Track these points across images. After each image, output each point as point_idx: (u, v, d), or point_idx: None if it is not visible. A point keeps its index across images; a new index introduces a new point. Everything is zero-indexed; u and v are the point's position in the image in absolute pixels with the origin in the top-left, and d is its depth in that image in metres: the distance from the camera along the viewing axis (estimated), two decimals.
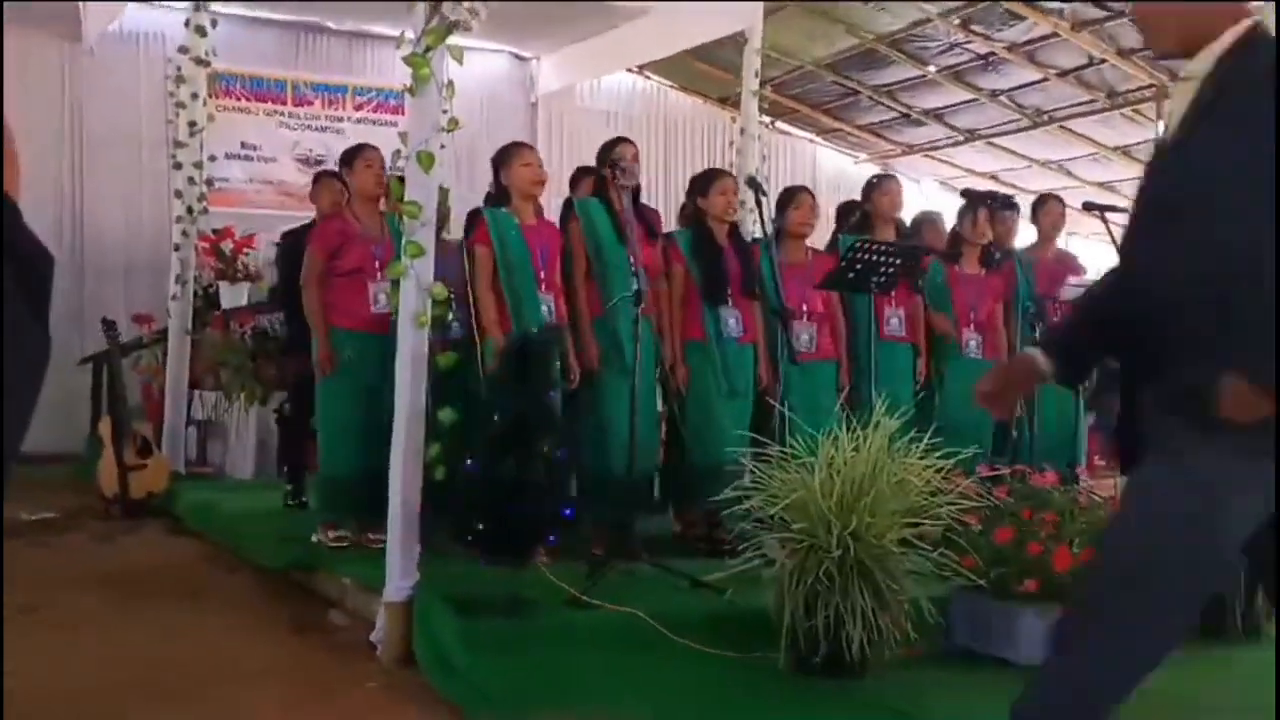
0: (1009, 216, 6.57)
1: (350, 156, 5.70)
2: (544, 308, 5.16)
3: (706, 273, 5.56)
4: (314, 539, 5.48)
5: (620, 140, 5.66)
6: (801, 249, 5.92)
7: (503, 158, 5.32)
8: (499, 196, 5.31)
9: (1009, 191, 8.02)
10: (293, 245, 6.51)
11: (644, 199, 6.75)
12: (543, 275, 5.19)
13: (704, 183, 5.76)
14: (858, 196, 6.61)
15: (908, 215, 6.87)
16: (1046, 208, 6.65)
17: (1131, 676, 2.46)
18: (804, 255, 5.90)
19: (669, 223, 6.42)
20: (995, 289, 6.35)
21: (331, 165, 8.17)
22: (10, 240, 0.69)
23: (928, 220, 6.82)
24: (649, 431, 5.32)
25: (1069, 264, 6.61)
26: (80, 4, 9.09)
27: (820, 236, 6.59)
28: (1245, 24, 2.44)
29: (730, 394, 5.52)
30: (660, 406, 5.67)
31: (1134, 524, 2.50)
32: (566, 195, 6.08)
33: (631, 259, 5.19)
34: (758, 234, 6.06)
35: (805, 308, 5.71)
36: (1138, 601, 2.39)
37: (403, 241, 4.35)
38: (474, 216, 5.31)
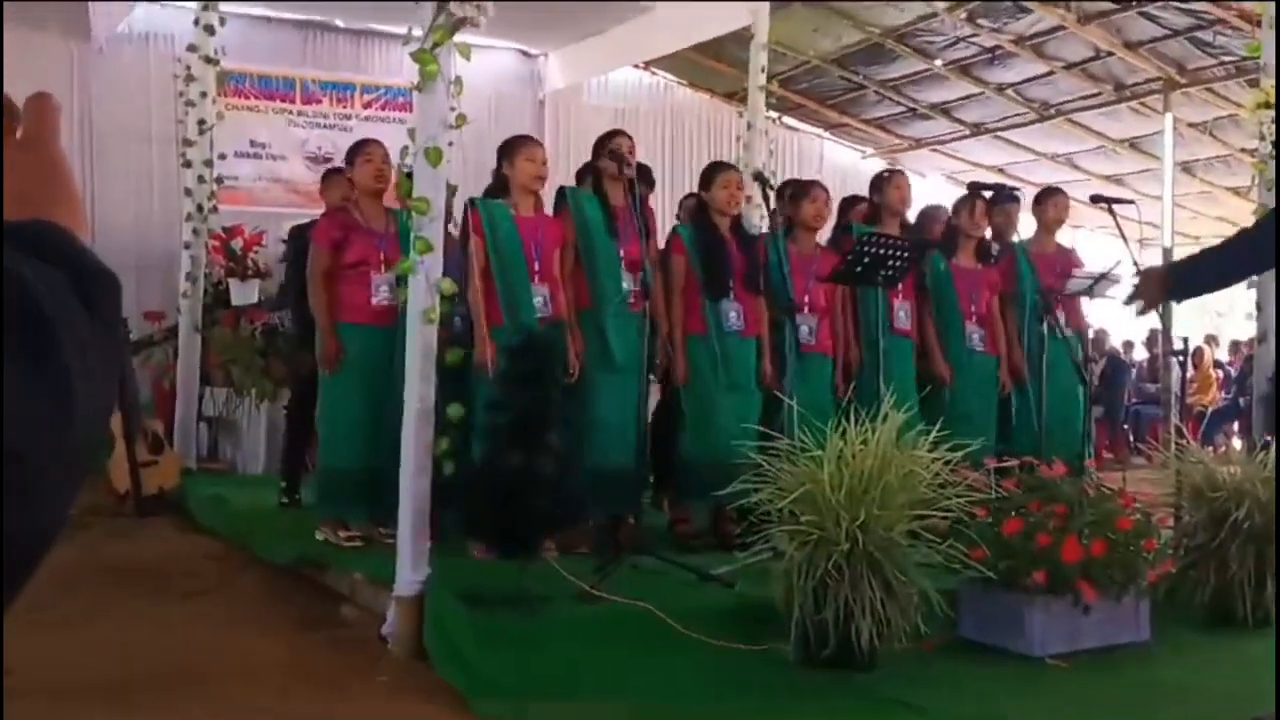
0: (1010, 208, 6.55)
1: (352, 152, 5.72)
2: (538, 299, 5.13)
3: (708, 266, 5.54)
4: (319, 537, 5.48)
5: (617, 132, 5.60)
6: (812, 241, 5.94)
7: (508, 149, 5.31)
8: (498, 187, 5.30)
9: (1015, 185, 7.99)
10: (300, 241, 6.49)
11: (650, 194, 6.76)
12: (537, 267, 5.16)
13: (707, 176, 5.77)
14: (865, 191, 6.60)
15: (914, 210, 6.86)
16: (1052, 200, 6.61)
17: None
18: (813, 249, 5.92)
19: (667, 219, 6.39)
20: (992, 282, 6.33)
21: (340, 163, 8.20)
22: (77, 263, 0.72)
23: (932, 214, 6.81)
24: (635, 427, 5.28)
25: (1070, 258, 6.59)
26: (89, 3, 9.12)
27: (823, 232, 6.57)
28: None
29: (731, 388, 5.50)
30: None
31: None
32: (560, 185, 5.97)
33: (622, 253, 5.19)
34: (764, 228, 6.07)
35: (808, 300, 5.72)
36: None
37: (411, 237, 4.37)
38: (468, 208, 5.28)
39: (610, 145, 5.43)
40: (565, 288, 5.29)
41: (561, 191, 5.69)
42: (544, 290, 5.17)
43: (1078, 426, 6.25)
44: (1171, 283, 3.91)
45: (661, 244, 5.83)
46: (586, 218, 5.38)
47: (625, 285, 5.36)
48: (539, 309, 5.12)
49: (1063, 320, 6.15)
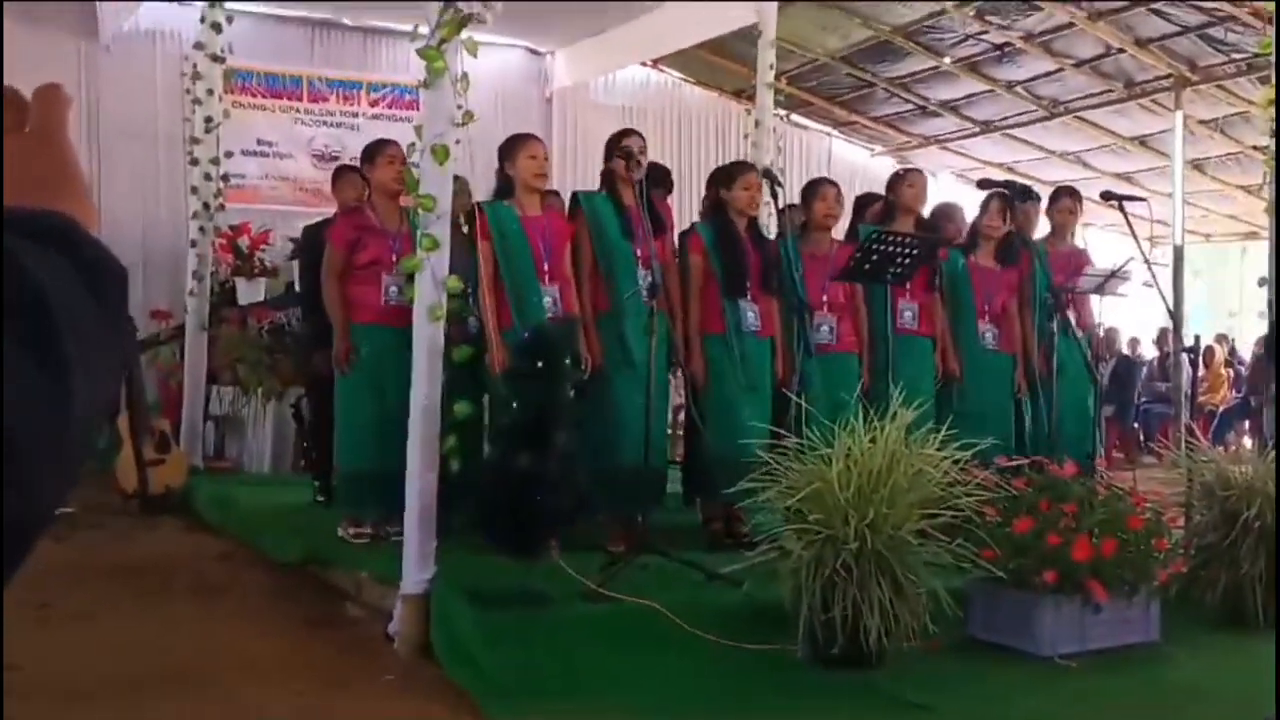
0: (1029, 206, 6.52)
1: (372, 152, 5.71)
2: (547, 299, 5.11)
3: (727, 266, 5.52)
4: (339, 534, 5.50)
5: (629, 132, 5.56)
6: (826, 240, 5.91)
7: (508, 149, 5.29)
8: (503, 188, 5.29)
9: (1025, 183, 7.96)
10: (313, 240, 6.45)
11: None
12: (545, 267, 5.14)
13: (727, 175, 5.74)
14: (873, 189, 6.60)
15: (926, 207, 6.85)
16: (1061, 202, 6.62)
17: None
18: (828, 247, 5.89)
19: (685, 216, 6.37)
20: (1010, 282, 6.31)
21: (348, 161, 8.19)
22: (82, 252, 0.71)
23: (945, 213, 6.80)
24: (659, 426, 5.30)
25: (1083, 257, 6.57)
26: (96, 1, 9.12)
27: (838, 229, 6.55)
28: None
29: (749, 388, 5.50)
30: (675, 400, 5.65)
31: None
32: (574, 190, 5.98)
33: (638, 253, 5.18)
34: (774, 227, 6.04)
35: (826, 299, 5.70)
36: None
37: (418, 235, 4.36)
38: (475, 212, 5.26)
39: (621, 145, 5.41)
40: (581, 285, 5.28)
41: (575, 197, 5.69)
42: (553, 290, 5.15)
43: (1089, 427, 6.23)
44: None
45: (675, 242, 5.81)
46: (601, 222, 5.37)
47: (640, 283, 5.35)
48: (548, 309, 5.10)
49: (1073, 320, 6.14)
